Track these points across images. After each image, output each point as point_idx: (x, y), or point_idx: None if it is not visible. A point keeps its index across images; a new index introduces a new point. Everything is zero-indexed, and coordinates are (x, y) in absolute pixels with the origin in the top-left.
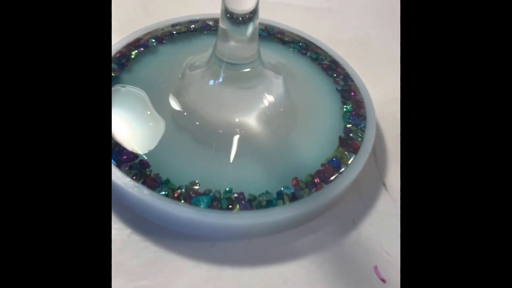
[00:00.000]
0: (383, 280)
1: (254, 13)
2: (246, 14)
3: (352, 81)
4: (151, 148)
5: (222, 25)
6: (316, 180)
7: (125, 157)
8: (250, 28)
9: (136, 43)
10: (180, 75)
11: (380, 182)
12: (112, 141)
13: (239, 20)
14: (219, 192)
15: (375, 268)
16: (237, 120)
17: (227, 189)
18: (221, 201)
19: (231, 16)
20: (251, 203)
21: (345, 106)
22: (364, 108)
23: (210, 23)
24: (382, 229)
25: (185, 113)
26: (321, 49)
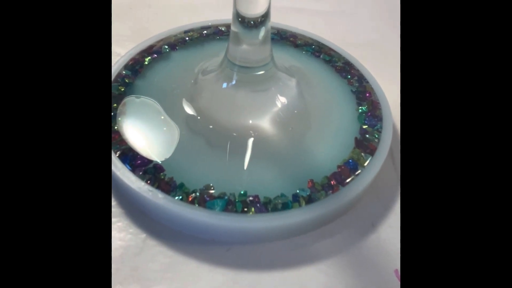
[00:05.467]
0: None
1: (265, 16)
2: (257, 18)
3: (367, 82)
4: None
5: (234, 28)
6: (333, 182)
7: (139, 161)
8: (262, 32)
9: (149, 50)
10: (193, 80)
11: (398, 184)
12: (127, 146)
13: (250, 23)
14: (234, 196)
15: (396, 271)
16: (250, 122)
17: (242, 192)
18: (236, 204)
19: (242, 20)
20: (267, 206)
21: (360, 107)
22: (380, 109)
23: (223, 29)
24: None
25: (199, 117)
26: (334, 51)
